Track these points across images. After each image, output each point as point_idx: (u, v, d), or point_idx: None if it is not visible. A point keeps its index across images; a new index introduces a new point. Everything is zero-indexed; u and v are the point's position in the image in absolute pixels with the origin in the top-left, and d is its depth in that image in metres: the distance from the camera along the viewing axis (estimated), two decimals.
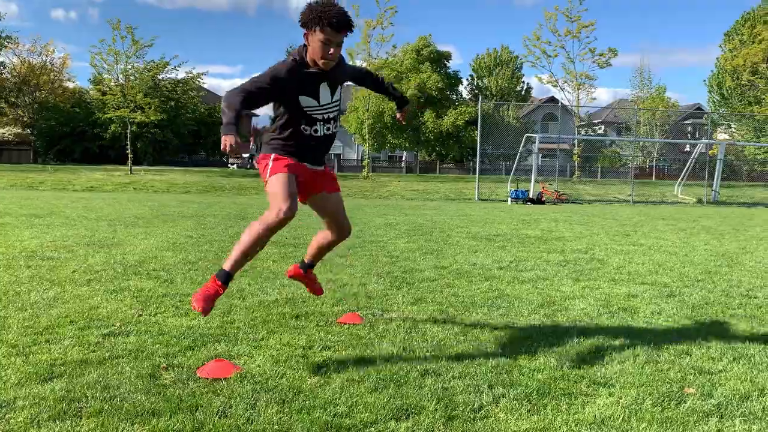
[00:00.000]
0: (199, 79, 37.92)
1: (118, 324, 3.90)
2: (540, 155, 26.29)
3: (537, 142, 25.41)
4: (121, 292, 4.87)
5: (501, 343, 3.73)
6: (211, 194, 23.02)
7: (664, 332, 4.06)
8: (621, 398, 2.85)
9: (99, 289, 4.92)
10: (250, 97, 3.19)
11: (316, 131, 3.41)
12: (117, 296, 4.71)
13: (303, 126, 3.38)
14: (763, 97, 36.75)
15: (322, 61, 3.21)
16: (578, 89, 32.69)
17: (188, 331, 3.80)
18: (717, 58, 44.59)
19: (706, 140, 30.27)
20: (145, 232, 8.98)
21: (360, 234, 9.33)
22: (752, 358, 3.51)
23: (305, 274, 4.05)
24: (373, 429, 2.47)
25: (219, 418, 2.54)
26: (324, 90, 3.41)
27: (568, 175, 36.61)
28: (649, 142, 43.23)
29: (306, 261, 4.04)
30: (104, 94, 31.94)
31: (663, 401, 2.82)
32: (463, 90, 46.12)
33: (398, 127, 37.22)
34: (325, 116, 3.47)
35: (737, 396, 2.90)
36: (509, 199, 22.96)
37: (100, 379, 2.94)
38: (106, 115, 31.58)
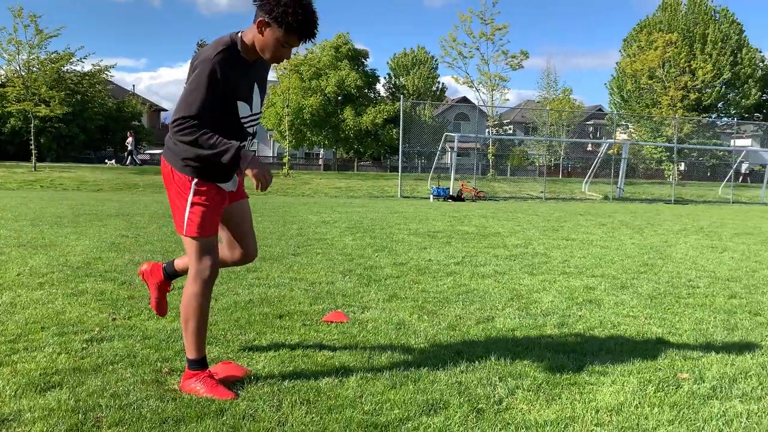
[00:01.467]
0: (106, 72, 36.17)
1: (96, 329, 3.70)
2: (457, 154, 26.84)
3: (456, 141, 25.96)
4: (81, 295, 4.62)
5: (491, 336, 3.83)
6: (126, 192, 22.02)
7: (634, 322, 4.30)
8: (625, 386, 3.00)
9: (56, 293, 4.64)
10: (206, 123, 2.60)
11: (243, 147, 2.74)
12: (78, 300, 4.46)
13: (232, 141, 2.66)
14: (659, 99, 39.22)
15: (270, 58, 2.73)
16: (492, 90, 33.76)
17: (174, 334, 3.65)
18: (617, 63, 47.13)
19: (612, 140, 31.93)
20: (75, 231, 8.51)
21: (302, 232, 9.24)
22: (722, 343, 3.78)
23: (165, 281, 3.34)
24: (409, 425, 2.49)
25: (249, 421, 2.48)
26: (256, 93, 2.86)
27: (479, 172, 37.65)
28: (556, 142, 45.13)
29: (171, 269, 3.30)
30: (3, 85, 29.84)
31: (663, 387, 3.00)
32: (381, 88, 46.61)
33: (318, 125, 37.03)
34: (253, 129, 2.93)
35: (726, 379, 3.12)
36: (431, 196, 23.31)
37: (105, 386, 2.79)
38: (6, 109, 29.46)
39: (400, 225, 10.96)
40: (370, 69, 41.01)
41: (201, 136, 2.58)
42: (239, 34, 2.73)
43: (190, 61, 2.78)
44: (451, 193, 23.29)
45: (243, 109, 2.78)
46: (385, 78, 50.50)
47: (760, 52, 46.92)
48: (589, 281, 5.78)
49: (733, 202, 27.19)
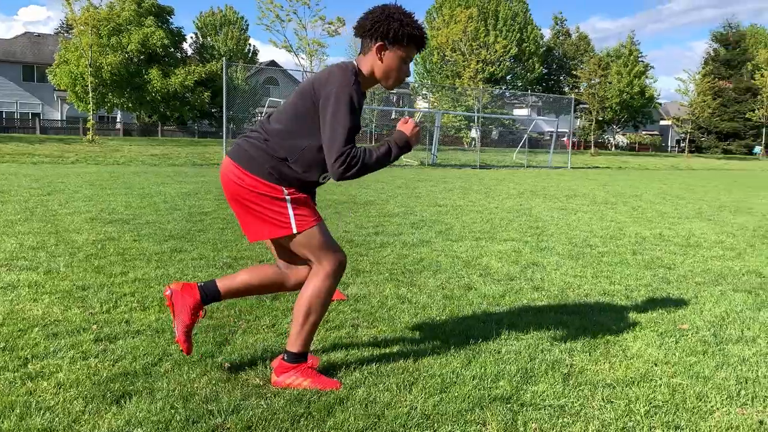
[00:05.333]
0: None
1: (94, 327, 3.25)
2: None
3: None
4: (12, 289, 3.96)
5: (516, 305, 4.02)
6: None
7: (581, 281, 4.76)
8: (649, 339, 3.38)
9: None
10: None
11: (326, 178, 2.67)
12: (15, 294, 3.83)
13: (326, 174, 2.63)
14: (461, 71, 42.06)
15: (394, 82, 2.68)
16: (311, 56, 33.60)
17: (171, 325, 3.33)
18: None
19: (427, 109, 33.62)
20: None
21: (175, 206, 8.64)
22: (674, 296, 4.36)
23: (200, 303, 2.74)
24: (528, 395, 2.60)
25: (390, 409, 2.41)
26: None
27: None
28: (368, 109, 46.37)
29: (213, 289, 2.76)
30: None
31: (679, 338, 3.42)
32: (188, 48, 43.89)
33: (119, 85, 33.96)
34: None
35: (714, 327, 3.64)
36: None
37: (185, 391, 2.51)
38: None
39: None
40: (176, 27, 38.43)
41: (363, 162, 2.48)
42: (355, 65, 2.62)
43: (306, 83, 2.58)
44: None
45: None
46: (191, 37, 47.72)
47: (539, 29, 52.23)
48: (499, 245, 6.23)
49: (527, 167, 30.22)
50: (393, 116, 58.28)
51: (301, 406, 2.41)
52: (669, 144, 74.88)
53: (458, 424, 2.32)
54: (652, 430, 2.33)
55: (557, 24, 57.47)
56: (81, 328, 3.23)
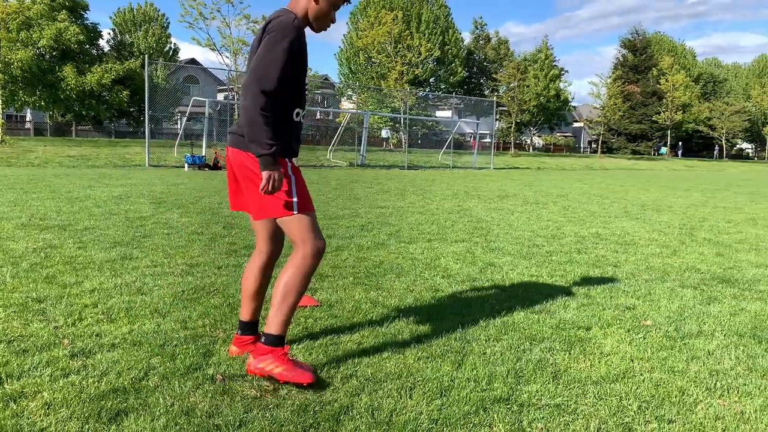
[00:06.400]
0: None
1: (65, 342, 3.08)
2: (209, 118, 25.84)
3: (207, 106, 24.97)
4: None
5: (475, 300, 4.09)
6: None
7: (531, 281, 4.92)
8: (620, 336, 3.53)
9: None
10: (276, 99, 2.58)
11: (301, 115, 2.80)
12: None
13: (297, 110, 2.75)
14: (387, 72, 42.31)
15: (322, 26, 2.80)
16: (236, 55, 32.94)
17: (168, 335, 3.23)
18: (344, 35, 49.46)
19: (355, 110, 33.61)
20: None
21: (111, 210, 8.29)
22: (627, 293, 4.57)
23: (254, 341, 3.00)
24: (524, 395, 2.66)
25: (406, 415, 2.41)
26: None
27: (215, 139, 36.57)
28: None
29: (248, 320, 3.03)
30: None
31: (646, 334, 3.59)
32: (105, 45, 41.98)
33: (30, 83, 32.13)
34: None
35: (674, 322, 3.84)
36: (186, 165, 22.24)
37: (184, 406, 2.43)
38: None
39: (212, 197, 10.42)
40: (92, 23, 36.73)
41: (263, 118, 2.51)
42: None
43: (259, 39, 2.66)
44: (207, 162, 22.46)
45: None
46: (108, 34, 45.71)
47: (460, 33, 53.29)
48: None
49: (453, 167, 30.78)
50: (318, 116, 58.19)
51: (308, 416, 2.38)
52: (582, 145, 78.14)
53: (467, 428, 2.36)
54: (648, 424, 2.45)
55: (477, 28, 58.81)
56: (51, 343, 3.06)
